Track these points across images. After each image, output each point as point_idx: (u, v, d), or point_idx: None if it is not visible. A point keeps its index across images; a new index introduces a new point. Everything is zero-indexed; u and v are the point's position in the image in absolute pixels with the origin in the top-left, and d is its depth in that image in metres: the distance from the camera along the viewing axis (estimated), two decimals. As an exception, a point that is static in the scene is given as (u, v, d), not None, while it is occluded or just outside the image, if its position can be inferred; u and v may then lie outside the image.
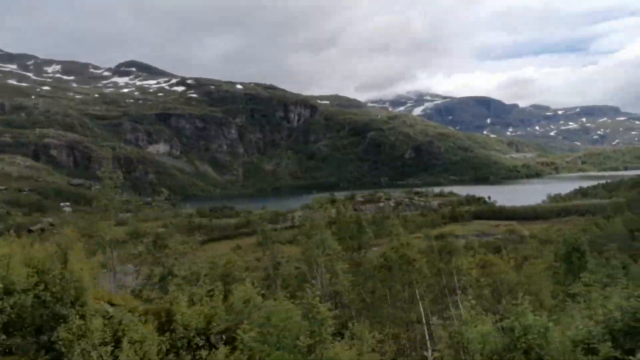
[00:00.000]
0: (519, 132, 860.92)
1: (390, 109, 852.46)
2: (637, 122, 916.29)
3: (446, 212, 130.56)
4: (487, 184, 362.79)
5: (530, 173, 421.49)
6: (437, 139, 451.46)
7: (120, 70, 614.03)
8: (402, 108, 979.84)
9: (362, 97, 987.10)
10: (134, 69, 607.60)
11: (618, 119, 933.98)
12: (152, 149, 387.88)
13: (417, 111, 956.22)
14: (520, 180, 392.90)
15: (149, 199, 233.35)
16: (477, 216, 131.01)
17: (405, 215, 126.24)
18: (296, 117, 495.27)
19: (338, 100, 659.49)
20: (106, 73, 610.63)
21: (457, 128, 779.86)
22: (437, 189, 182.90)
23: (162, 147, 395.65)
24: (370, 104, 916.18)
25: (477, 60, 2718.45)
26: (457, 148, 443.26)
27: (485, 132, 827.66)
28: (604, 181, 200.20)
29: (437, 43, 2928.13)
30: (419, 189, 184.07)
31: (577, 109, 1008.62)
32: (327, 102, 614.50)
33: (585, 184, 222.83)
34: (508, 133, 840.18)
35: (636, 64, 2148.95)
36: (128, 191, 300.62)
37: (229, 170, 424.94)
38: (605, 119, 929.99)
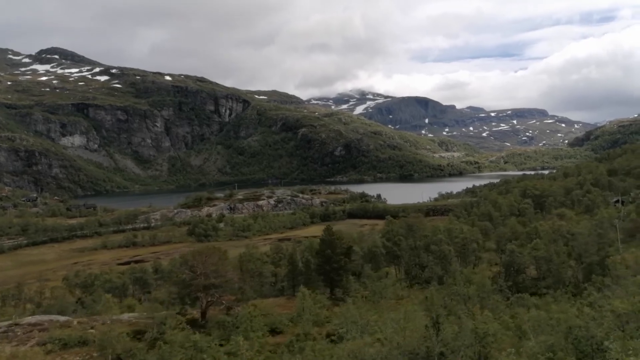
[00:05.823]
0: (454, 132, 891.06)
1: (333, 107, 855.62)
2: (562, 125, 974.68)
3: (318, 211, 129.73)
4: (411, 182, 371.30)
5: (454, 172, 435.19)
6: (368, 136, 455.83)
7: (41, 57, 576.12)
8: (345, 106, 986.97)
9: (304, 94, 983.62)
10: (56, 57, 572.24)
11: (545, 121, 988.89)
12: (65, 141, 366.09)
13: (360, 109, 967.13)
14: (443, 178, 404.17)
15: (35, 195, 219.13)
16: (352, 215, 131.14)
17: (277, 214, 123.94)
18: (227, 111, 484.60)
19: (277, 96, 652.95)
20: (26, 60, 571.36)
21: (397, 127, 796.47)
22: (332, 187, 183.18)
23: (77, 140, 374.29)
24: (313, 101, 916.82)
25: (415, 62, 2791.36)
26: (386, 146, 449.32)
27: (423, 132, 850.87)
28: (496, 180, 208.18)
29: (376, 44, 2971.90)
30: (314, 187, 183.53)
31: (509, 111, 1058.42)
32: (265, 97, 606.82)
33: (487, 182, 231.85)
34: (444, 133, 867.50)
35: (562, 69, 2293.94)
36: (29, 186, 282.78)
37: (152, 165, 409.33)
38: (534, 121, 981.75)
